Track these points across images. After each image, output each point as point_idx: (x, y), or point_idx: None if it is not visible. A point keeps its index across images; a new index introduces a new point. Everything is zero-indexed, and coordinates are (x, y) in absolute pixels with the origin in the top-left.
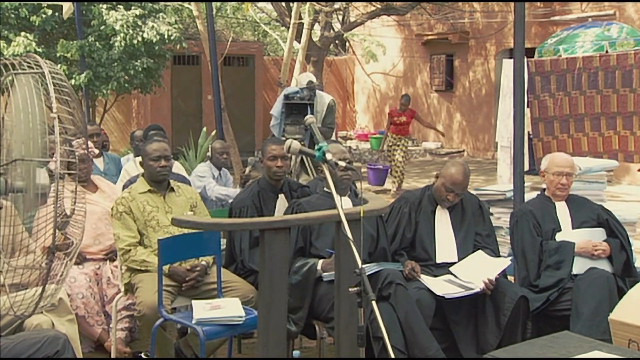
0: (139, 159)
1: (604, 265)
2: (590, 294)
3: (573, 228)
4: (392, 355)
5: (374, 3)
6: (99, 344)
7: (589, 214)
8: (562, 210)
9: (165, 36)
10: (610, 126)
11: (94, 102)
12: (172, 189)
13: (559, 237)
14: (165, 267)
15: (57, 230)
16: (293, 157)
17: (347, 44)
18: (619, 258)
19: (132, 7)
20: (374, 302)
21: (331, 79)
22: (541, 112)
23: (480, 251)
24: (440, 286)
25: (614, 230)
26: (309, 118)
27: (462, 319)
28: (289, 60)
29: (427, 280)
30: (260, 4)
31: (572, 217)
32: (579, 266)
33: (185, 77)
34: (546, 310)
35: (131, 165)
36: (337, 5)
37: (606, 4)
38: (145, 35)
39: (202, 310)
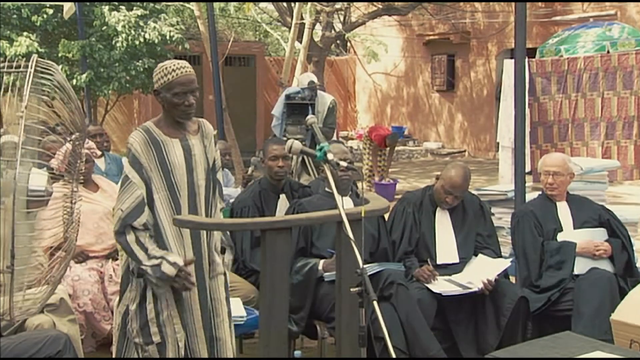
0: None
1: (606, 266)
2: (591, 294)
3: (574, 228)
4: (394, 356)
5: (375, 3)
6: (104, 341)
7: (590, 214)
8: (564, 210)
9: (167, 37)
10: (610, 135)
11: (96, 102)
12: None
13: (560, 237)
14: None
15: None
16: (294, 157)
17: (349, 44)
18: (620, 258)
19: (134, 8)
20: (375, 302)
21: (332, 79)
22: (540, 116)
23: (480, 255)
24: (438, 284)
25: (615, 230)
26: (310, 118)
27: (463, 319)
28: (290, 61)
29: None
30: (261, 4)
31: (574, 217)
32: (581, 266)
33: None
34: (548, 311)
35: None
36: (338, 5)
37: (607, 4)
38: (146, 35)
39: None
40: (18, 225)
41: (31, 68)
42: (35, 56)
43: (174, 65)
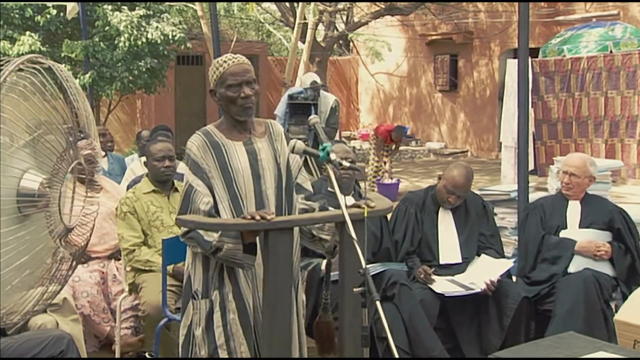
0: (144, 158)
1: (605, 267)
2: (567, 294)
3: (580, 227)
4: (396, 356)
5: (377, 3)
6: (106, 342)
7: (601, 216)
8: (574, 209)
9: (170, 36)
10: (613, 133)
11: (98, 102)
12: (176, 189)
13: (562, 234)
14: (169, 267)
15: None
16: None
17: (351, 44)
18: (621, 261)
19: (137, 8)
20: (378, 303)
21: (335, 79)
22: (544, 114)
23: (483, 256)
24: (441, 285)
25: (625, 236)
26: (313, 118)
27: (465, 319)
28: (293, 61)
29: None
30: (264, 4)
31: (582, 217)
32: (577, 265)
33: (189, 77)
34: (537, 307)
35: (137, 165)
36: (341, 5)
37: (610, 4)
38: (149, 35)
39: None
40: None
41: (12, 65)
42: (29, 56)
43: (225, 57)
